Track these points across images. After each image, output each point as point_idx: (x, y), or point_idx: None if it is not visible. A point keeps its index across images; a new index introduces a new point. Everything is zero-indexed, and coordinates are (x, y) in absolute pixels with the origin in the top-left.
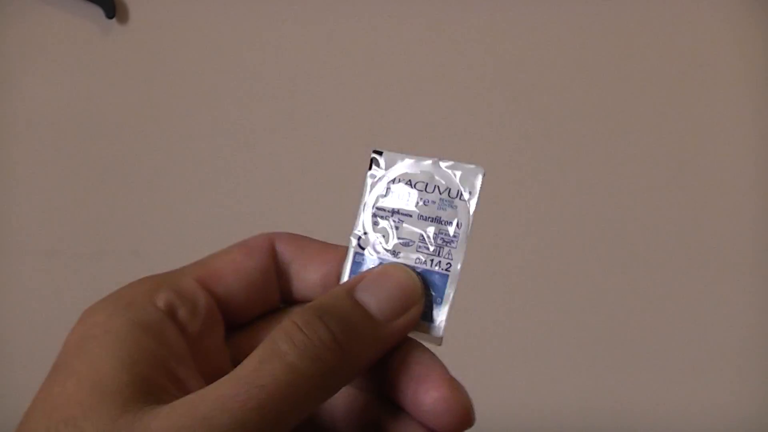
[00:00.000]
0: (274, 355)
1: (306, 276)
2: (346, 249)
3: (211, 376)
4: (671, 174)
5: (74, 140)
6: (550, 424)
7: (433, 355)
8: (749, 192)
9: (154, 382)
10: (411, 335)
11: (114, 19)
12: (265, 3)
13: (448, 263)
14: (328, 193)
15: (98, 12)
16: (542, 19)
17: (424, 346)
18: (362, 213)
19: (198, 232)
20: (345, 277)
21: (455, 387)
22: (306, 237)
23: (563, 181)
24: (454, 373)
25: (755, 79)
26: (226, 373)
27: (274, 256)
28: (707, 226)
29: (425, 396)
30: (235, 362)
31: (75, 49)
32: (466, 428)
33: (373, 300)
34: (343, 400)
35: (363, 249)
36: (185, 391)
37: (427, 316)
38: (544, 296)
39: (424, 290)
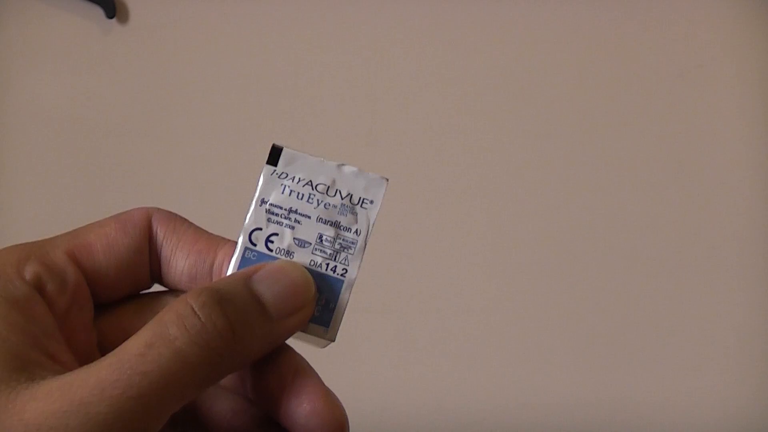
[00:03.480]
0: (162, 339)
1: (174, 262)
2: (219, 239)
3: (77, 355)
4: (671, 174)
5: (74, 140)
6: (549, 424)
7: (308, 364)
8: (749, 192)
9: (26, 358)
10: (302, 338)
11: (114, 19)
12: (265, 3)
13: (344, 269)
14: None
15: (98, 12)
16: (542, 20)
17: (298, 354)
18: (255, 208)
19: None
20: (231, 272)
21: (329, 399)
22: (182, 219)
23: (562, 180)
24: (457, 373)
25: (755, 79)
26: (92, 353)
27: (149, 233)
28: (707, 225)
29: (299, 408)
30: (101, 344)
31: (75, 49)
32: None
33: (268, 293)
34: (228, 406)
35: (254, 245)
36: (59, 363)
37: (320, 320)
38: (543, 296)
39: (317, 293)
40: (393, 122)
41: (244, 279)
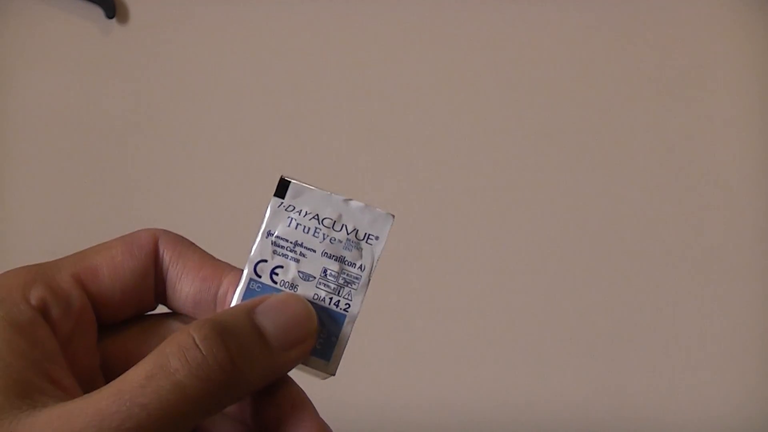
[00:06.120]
0: (162, 371)
1: (180, 287)
2: (225, 265)
3: (80, 378)
4: (671, 174)
5: (74, 140)
6: (550, 424)
7: (306, 397)
8: (749, 192)
9: (29, 384)
10: (303, 369)
11: (114, 19)
12: (264, 3)
13: (347, 303)
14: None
15: (98, 12)
16: (542, 20)
17: (297, 386)
18: (261, 239)
19: (199, 232)
20: (235, 303)
21: (322, 430)
22: (190, 243)
23: (562, 181)
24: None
25: (755, 79)
26: (95, 376)
27: (156, 256)
28: (707, 225)
29: None
30: (105, 365)
31: (75, 49)
32: None
33: (270, 326)
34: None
35: (259, 277)
36: (61, 388)
37: (322, 353)
38: (544, 296)
39: (322, 324)
40: (393, 122)
41: (247, 311)
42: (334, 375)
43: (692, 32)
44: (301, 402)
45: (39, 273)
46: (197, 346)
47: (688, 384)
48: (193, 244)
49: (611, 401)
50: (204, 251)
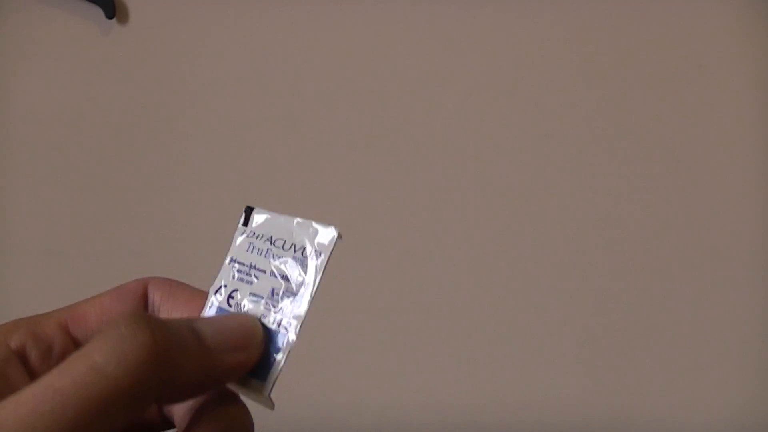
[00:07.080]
0: (81, 355)
1: None
2: None
3: None
4: (671, 174)
5: (73, 140)
6: (550, 425)
7: (243, 417)
8: (749, 192)
9: None
10: (246, 394)
11: (114, 19)
12: (264, 3)
13: (289, 321)
14: (331, 193)
15: (98, 12)
16: (542, 20)
17: (242, 404)
18: (224, 266)
19: (197, 232)
20: None
21: None
22: (179, 283)
23: (562, 180)
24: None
25: (755, 79)
26: None
27: (145, 300)
28: (707, 225)
29: None
30: None
31: (75, 49)
32: None
33: (209, 330)
34: None
35: (218, 301)
36: None
37: (260, 375)
38: (544, 296)
39: (265, 343)
40: (391, 122)
41: (189, 319)
42: (267, 396)
43: (692, 32)
44: (232, 424)
45: (26, 322)
46: (118, 327)
47: (689, 384)
48: (182, 283)
49: (610, 401)
50: (195, 288)
